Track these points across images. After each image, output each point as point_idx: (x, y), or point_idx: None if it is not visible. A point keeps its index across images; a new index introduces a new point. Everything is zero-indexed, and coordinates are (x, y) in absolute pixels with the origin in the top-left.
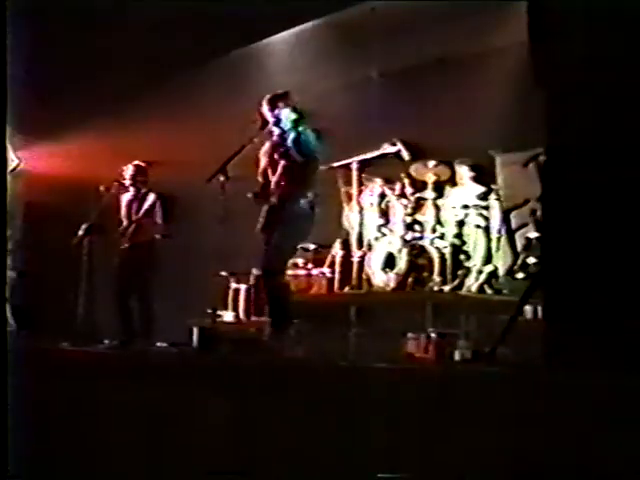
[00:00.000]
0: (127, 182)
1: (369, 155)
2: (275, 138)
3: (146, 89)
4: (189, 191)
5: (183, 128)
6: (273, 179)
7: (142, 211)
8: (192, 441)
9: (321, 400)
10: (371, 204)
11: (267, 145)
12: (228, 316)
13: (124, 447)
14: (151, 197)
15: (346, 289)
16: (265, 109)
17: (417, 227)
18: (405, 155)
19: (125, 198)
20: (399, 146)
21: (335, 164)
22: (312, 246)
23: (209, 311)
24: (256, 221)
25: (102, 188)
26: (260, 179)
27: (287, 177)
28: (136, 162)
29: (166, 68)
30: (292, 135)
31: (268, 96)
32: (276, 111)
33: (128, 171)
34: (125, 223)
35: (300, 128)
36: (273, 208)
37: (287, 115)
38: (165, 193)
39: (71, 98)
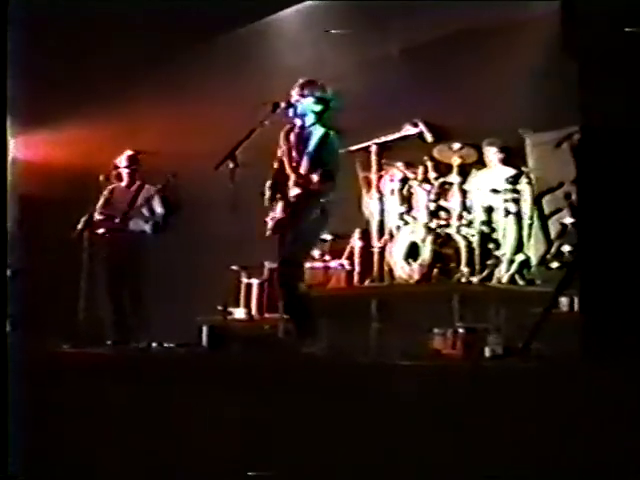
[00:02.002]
0: (123, 172)
1: (389, 137)
2: (297, 130)
3: (147, 70)
4: (195, 179)
5: (188, 112)
6: (291, 179)
7: (138, 203)
8: (201, 448)
9: (341, 401)
10: (392, 190)
11: (289, 134)
12: (240, 313)
13: (128, 454)
14: (148, 189)
15: (366, 282)
16: (294, 94)
17: (442, 214)
18: (428, 137)
19: (117, 190)
20: (421, 127)
21: (352, 148)
22: (329, 237)
23: (219, 308)
24: (268, 210)
25: (102, 177)
26: (275, 165)
27: (304, 179)
28: (129, 152)
29: (167, 47)
30: (318, 133)
31: (301, 81)
32: (297, 97)
33: (122, 161)
34: (119, 215)
35: (330, 131)
36: (285, 209)
37: (308, 105)
38: (170, 181)
39: (68, 81)
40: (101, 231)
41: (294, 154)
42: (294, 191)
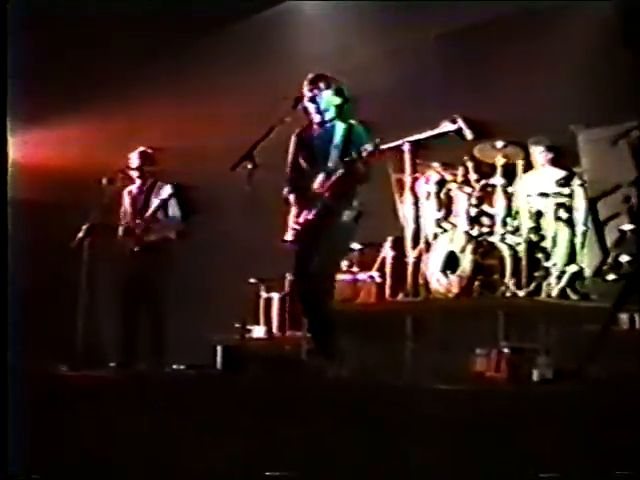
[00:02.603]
0: (134, 173)
1: (424, 135)
2: (316, 127)
3: (154, 62)
4: (209, 182)
5: (200, 108)
6: (318, 181)
7: (153, 206)
8: None
9: (372, 430)
10: (428, 194)
11: (306, 133)
12: (258, 331)
13: None
14: (165, 189)
15: (399, 296)
16: (305, 90)
17: (484, 220)
18: (468, 134)
19: (131, 192)
20: (460, 123)
21: (383, 146)
22: (358, 246)
23: (236, 325)
24: (290, 216)
25: (104, 181)
26: (291, 170)
27: (332, 181)
28: (141, 148)
29: (178, 36)
30: (340, 129)
31: (310, 76)
32: (314, 91)
33: (133, 159)
34: (132, 221)
35: (352, 121)
36: (309, 214)
37: (329, 98)
38: (181, 184)
39: (67, 76)
40: (106, 239)
41: (317, 152)
42: (319, 194)
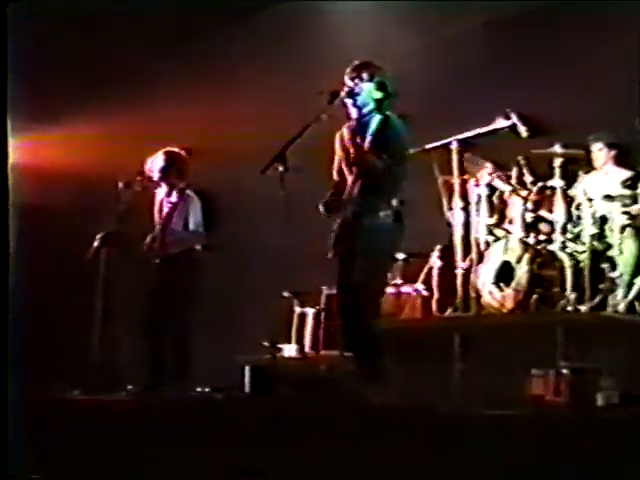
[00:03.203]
0: (155, 176)
1: (474, 132)
2: (353, 123)
3: (176, 56)
4: (237, 186)
5: (226, 105)
6: (348, 182)
7: (175, 214)
8: None
9: (418, 460)
10: (479, 197)
11: (344, 132)
12: (291, 350)
13: None
14: (188, 196)
15: (448, 311)
16: (347, 79)
17: (542, 227)
18: (523, 131)
19: (155, 197)
20: (514, 119)
21: (429, 145)
22: (401, 255)
23: (266, 344)
24: (328, 224)
25: (121, 184)
26: (335, 177)
27: (366, 179)
28: (168, 149)
29: (200, 28)
30: (376, 120)
31: (355, 63)
32: (354, 83)
33: (157, 162)
34: (154, 230)
35: (389, 112)
36: (347, 222)
37: (369, 91)
38: (205, 190)
39: (81, 68)
40: (123, 249)
41: (352, 149)
42: (352, 195)
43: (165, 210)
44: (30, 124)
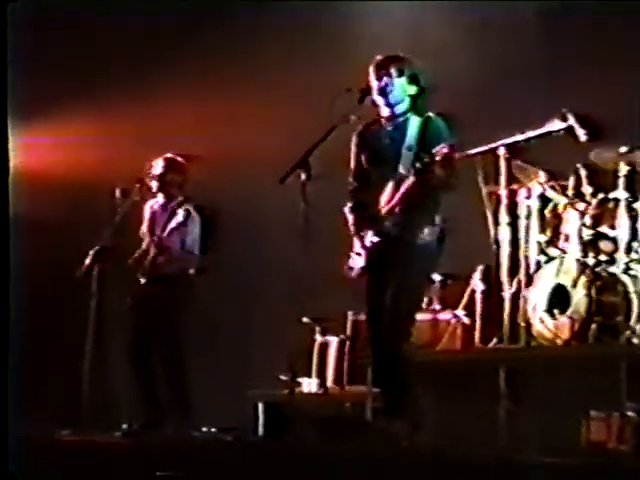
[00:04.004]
0: (154, 184)
1: (525, 136)
2: (384, 123)
3: (179, 53)
4: (250, 197)
5: (239, 106)
6: (387, 193)
7: (171, 230)
8: None
9: None
10: (529, 211)
11: (372, 132)
12: (311, 384)
13: None
14: (187, 211)
15: (492, 342)
16: (372, 77)
17: (603, 245)
18: (581, 134)
19: (149, 208)
20: (571, 121)
21: (472, 151)
22: (439, 277)
23: (282, 377)
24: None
25: (118, 193)
26: (353, 182)
27: (407, 192)
28: (168, 155)
29: (206, 19)
30: (415, 123)
31: (378, 57)
32: (385, 80)
33: (156, 168)
34: (146, 246)
35: (430, 113)
36: (381, 239)
37: (402, 87)
38: (209, 202)
39: (79, 70)
40: (120, 267)
41: (386, 155)
42: (389, 209)
43: (160, 224)
44: (27, 125)
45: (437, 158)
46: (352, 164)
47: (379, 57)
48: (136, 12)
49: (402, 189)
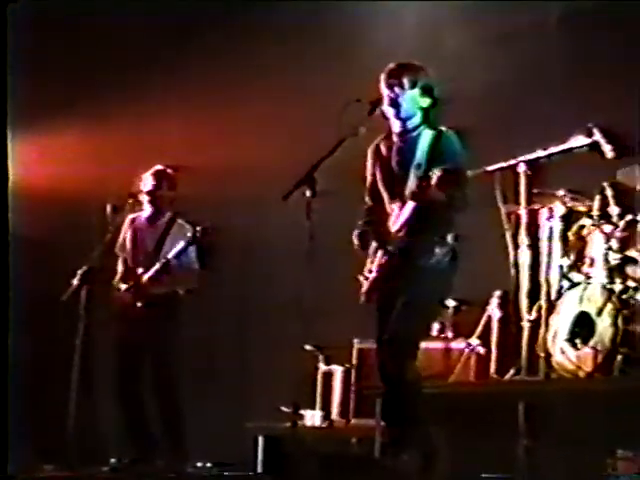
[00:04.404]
0: (144, 198)
1: (547, 152)
2: (395, 139)
3: (178, 54)
4: (249, 214)
5: (238, 116)
6: (392, 211)
7: (174, 252)
8: None
9: None
10: (551, 232)
11: (383, 148)
12: (314, 417)
13: None
14: (178, 225)
15: (509, 374)
16: (383, 86)
17: (630, 270)
18: (608, 150)
19: (136, 223)
20: (597, 136)
21: (490, 167)
22: (452, 302)
23: (283, 409)
24: (361, 262)
25: (109, 208)
26: (368, 201)
27: (417, 210)
28: (158, 167)
29: (206, 25)
30: (426, 138)
31: (391, 66)
32: (396, 90)
33: (146, 182)
34: (134, 265)
35: (443, 128)
36: (389, 260)
37: (414, 99)
38: (201, 219)
39: (72, 76)
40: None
41: (397, 172)
42: (397, 229)
43: (147, 240)
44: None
45: (432, 182)
46: (368, 182)
47: (391, 65)
48: (135, 15)
49: (408, 210)
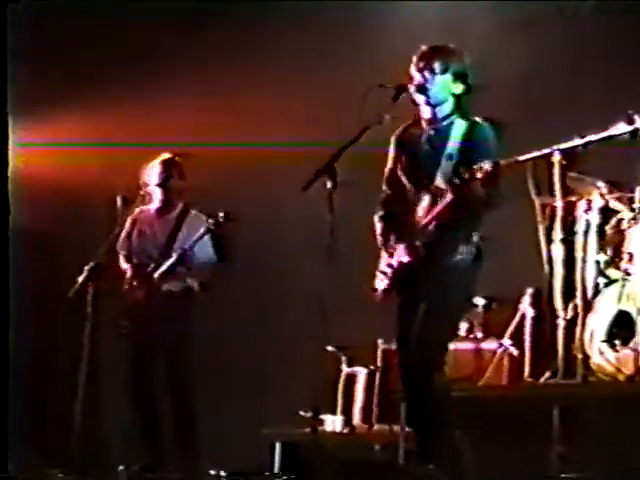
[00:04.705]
0: (154, 189)
1: (584, 140)
2: (424, 127)
3: (187, 41)
4: (265, 206)
5: (254, 102)
6: (422, 208)
7: (188, 244)
8: None
9: None
10: (588, 226)
11: (410, 136)
12: (335, 422)
13: None
14: (192, 216)
15: (544, 377)
16: (413, 70)
17: None
18: None
19: (146, 216)
20: (639, 123)
21: (523, 157)
22: (482, 301)
23: (302, 414)
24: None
25: (119, 201)
26: (386, 189)
27: (449, 209)
28: (166, 155)
29: (211, 14)
30: (459, 129)
31: (423, 48)
32: (426, 74)
33: (153, 171)
34: (146, 259)
35: (477, 118)
36: (413, 257)
37: (446, 85)
38: (216, 211)
39: (74, 68)
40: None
41: (425, 163)
42: (423, 225)
43: (157, 233)
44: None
45: (478, 175)
46: (387, 169)
47: (423, 48)
48: (136, 13)
49: (439, 205)
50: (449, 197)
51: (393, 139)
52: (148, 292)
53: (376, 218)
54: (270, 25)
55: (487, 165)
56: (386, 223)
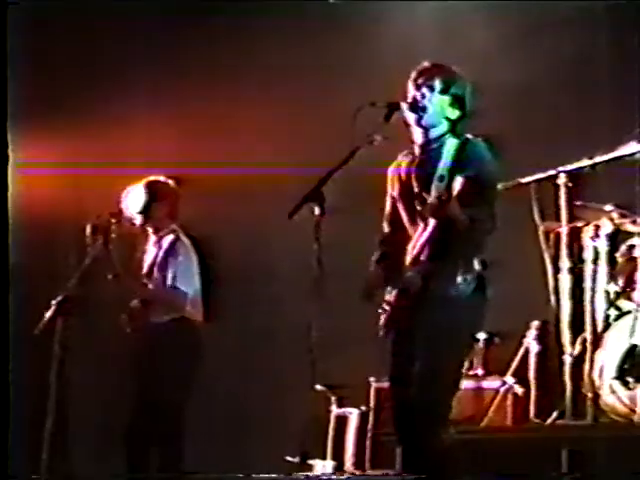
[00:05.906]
0: (136, 218)
1: (591, 161)
2: (417, 151)
3: (180, 49)
4: (250, 234)
5: (237, 122)
6: (413, 235)
7: (161, 267)
8: None
9: None
10: (596, 254)
11: (403, 163)
12: (326, 467)
13: None
14: (179, 242)
15: (551, 417)
16: (410, 86)
17: None
18: None
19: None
20: None
21: (525, 179)
22: (483, 335)
23: (290, 459)
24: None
25: (88, 229)
26: (386, 227)
27: (439, 233)
28: (151, 178)
29: (204, 23)
30: (450, 148)
31: (425, 64)
32: (424, 91)
33: (136, 198)
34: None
35: (469, 136)
36: (409, 290)
37: (441, 107)
38: (204, 237)
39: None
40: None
41: (416, 190)
42: (416, 254)
43: (148, 261)
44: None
45: (454, 193)
46: (388, 205)
47: (425, 64)
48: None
49: (429, 229)
50: (432, 221)
51: (390, 171)
52: (131, 322)
53: (374, 257)
54: (256, 44)
55: (458, 179)
56: (383, 263)
